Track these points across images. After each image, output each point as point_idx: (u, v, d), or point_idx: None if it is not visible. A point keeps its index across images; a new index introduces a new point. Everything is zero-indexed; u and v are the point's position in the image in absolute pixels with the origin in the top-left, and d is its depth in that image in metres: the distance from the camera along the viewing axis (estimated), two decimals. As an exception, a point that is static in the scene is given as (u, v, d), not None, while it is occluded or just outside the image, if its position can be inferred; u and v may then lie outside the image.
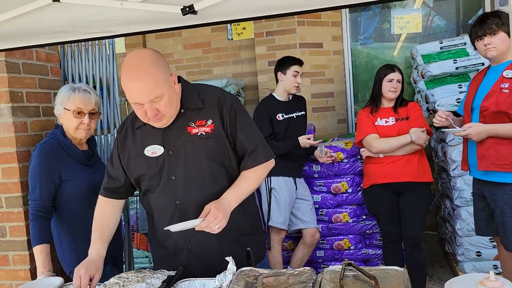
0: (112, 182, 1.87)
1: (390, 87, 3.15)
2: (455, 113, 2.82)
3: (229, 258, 1.56)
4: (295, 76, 3.40)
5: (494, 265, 3.39)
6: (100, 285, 1.64)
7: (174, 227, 1.64)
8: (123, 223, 2.77)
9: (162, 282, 1.62)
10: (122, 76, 1.62)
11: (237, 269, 1.59)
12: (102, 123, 2.84)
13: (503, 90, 2.44)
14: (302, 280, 1.52)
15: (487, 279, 1.10)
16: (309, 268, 1.60)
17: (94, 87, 2.76)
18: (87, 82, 2.81)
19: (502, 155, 2.44)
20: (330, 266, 1.62)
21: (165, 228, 1.67)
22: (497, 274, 1.42)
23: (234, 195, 1.71)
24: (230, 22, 2.05)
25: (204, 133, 1.73)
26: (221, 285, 1.53)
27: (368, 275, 1.50)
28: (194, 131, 1.73)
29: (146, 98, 1.60)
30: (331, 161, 3.53)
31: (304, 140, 3.32)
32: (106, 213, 1.88)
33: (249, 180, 1.78)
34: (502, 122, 2.44)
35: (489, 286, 1.08)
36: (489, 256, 3.40)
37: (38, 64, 2.51)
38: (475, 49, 2.62)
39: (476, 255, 3.42)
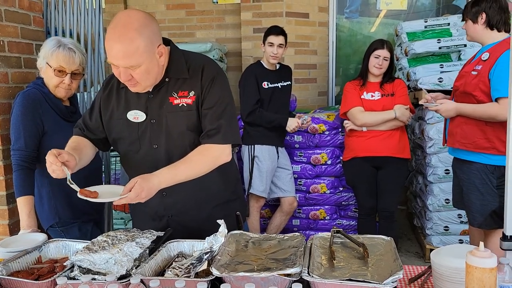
0: (88, 133, 1.82)
1: (376, 63, 3.18)
2: None
3: (220, 221, 1.56)
4: (270, 46, 3.37)
5: (459, 240, 3.56)
6: (88, 242, 1.62)
7: (94, 200, 1.56)
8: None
9: (151, 242, 1.62)
10: (106, 33, 1.55)
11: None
12: (86, 81, 2.74)
13: (472, 72, 2.51)
14: (293, 245, 1.55)
15: (477, 249, 1.16)
16: (298, 234, 1.63)
17: (78, 41, 2.65)
18: (71, 36, 2.69)
19: (466, 134, 2.52)
20: (319, 233, 1.65)
21: (78, 195, 1.54)
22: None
23: (168, 178, 1.60)
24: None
25: (185, 105, 1.68)
26: (211, 247, 1.54)
27: (356, 242, 1.55)
28: (176, 101, 1.68)
29: (121, 63, 1.54)
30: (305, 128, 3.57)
31: (294, 124, 3.34)
32: (81, 142, 1.79)
33: (191, 165, 1.64)
34: (470, 102, 2.50)
35: (479, 256, 1.14)
36: (456, 231, 3.57)
37: (20, 12, 2.37)
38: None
39: (444, 229, 3.58)
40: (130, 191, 1.50)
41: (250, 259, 1.47)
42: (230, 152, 1.73)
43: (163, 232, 1.69)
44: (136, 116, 1.72)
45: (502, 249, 1.66)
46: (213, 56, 4.25)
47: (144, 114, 1.71)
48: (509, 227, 1.64)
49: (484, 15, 2.49)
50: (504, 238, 1.66)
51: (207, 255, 1.48)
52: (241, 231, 1.68)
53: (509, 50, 2.38)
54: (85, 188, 1.57)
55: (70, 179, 1.55)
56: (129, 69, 1.55)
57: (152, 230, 1.68)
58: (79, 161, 1.66)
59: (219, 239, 1.54)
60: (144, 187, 1.52)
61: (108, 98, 1.77)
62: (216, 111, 1.68)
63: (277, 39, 3.36)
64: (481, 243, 1.17)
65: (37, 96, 2.10)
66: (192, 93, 1.68)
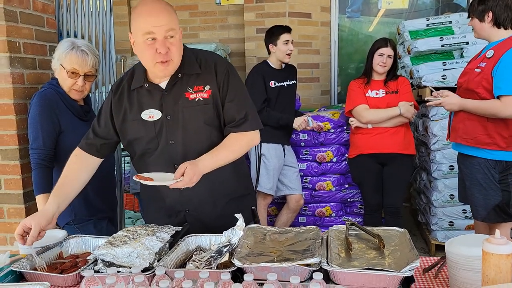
0: (97, 140, 1.84)
1: (380, 61, 3.23)
2: None
3: (238, 215, 1.61)
4: (286, 44, 3.42)
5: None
6: (109, 237, 1.66)
7: (147, 183, 1.64)
8: (117, 181, 2.77)
9: (170, 237, 1.66)
10: (138, 10, 1.62)
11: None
12: (97, 81, 2.78)
13: (476, 69, 2.55)
14: (310, 237, 1.59)
15: (493, 237, 1.20)
16: (314, 226, 1.68)
17: (90, 43, 2.69)
18: (82, 37, 2.73)
19: (468, 129, 2.57)
20: (334, 226, 1.69)
21: (135, 178, 1.64)
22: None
23: (210, 162, 1.68)
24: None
25: (201, 99, 1.73)
26: (229, 240, 1.58)
27: (371, 234, 1.59)
28: (192, 96, 1.73)
29: (164, 27, 1.59)
30: (313, 129, 3.62)
31: (300, 124, 3.39)
32: (76, 172, 1.82)
33: (230, 150, 1.74)
34: (473, 99, 2.54)
35: (495, 243, 1.18)
36: (460, 226, 3.62)
37: (34, 14, 2.42)
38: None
39: (449, 224, 3.62)
40: (182, 175, 1.58)
41: (269, 251, 1.51)
42: (259, 135, 1.83)
43: (181, 227, 1.73)
44: (151, 115, 1.75)
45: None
46: (218, 56, 4.29)
47: (159, 112, 1.75)
48: (519, 218, 1.68)
49: (491, 14, 2.51)
50: (515, 228, 1.71)
51: (226, 248, 1.53)
52: (258, 225, 1.72)
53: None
54: (140, 174, 1.67)
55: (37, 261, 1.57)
56: (167, 39, 1.60)
57: (170, 225, 1.72)
58: (65, 200, 1.74)
59: (237, 232, 1.58)
60: (195, 171, 1.60)
61: (119, 102, 1.80)
62: (239, 101, 1.76)
63: (290, 36, 3.44)
64: (497, 231, 1.21)
65: (53, 96, 2.14)
66: (207, 87, 1.74)
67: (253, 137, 1.80)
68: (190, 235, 1.69)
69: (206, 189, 1.78)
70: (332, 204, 3.78)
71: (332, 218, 3.80)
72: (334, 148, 3.71)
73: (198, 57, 1.77)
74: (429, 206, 3.76)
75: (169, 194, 1.80)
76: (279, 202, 3.85)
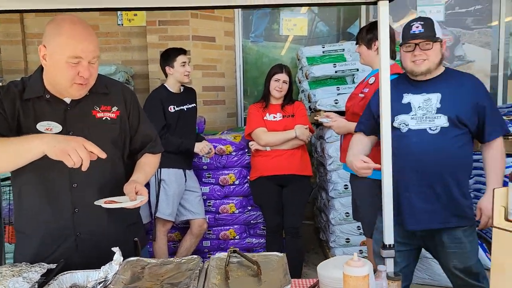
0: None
1: (276, 86, 3.35)
2: None
3: (115, 249, 1.55)
4: (183, 65, 3.42)
5: (360, 250, 3.80)
6: (-31, 281, 1.50)
7: (113, 205, 1.63)
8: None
9: (41, 276, 1.54)
10: (66, 30, 1.58)
11: (124, 259, 1.58)
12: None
13: (360, 94, 2.74)
14: (190, 268, 1.57)
15: (351, 260, 1.27)
16: (196, 256, 1.65)
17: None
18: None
19: None
20: (216, 254, 1.69)
21: (102, 204, 1.62)
22: (363, 257, 1.63)
23: (144, 179, 1.78)
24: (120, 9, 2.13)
25: (109, 119, 1.76)
26: (106, 276, 1.51)
27: (251, 261, 1.61)
28: (99, 115, 1.74)
29: (92, 53, 1.60)
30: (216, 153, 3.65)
31: (203, 148, 3.42)
32: None
33: (152, 166, 1.89)
34: None
35: (353, 265, 1.25)
36: (356, 242, 3.80)
37: None
38: None
39: (346, 241, 3.80)
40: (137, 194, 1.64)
41: (145, 286, 1.46)
42: None
43: (55, 265, 1.62)
44: (49, 127, 1.67)
45: (382, 257, 1.83)
46: (119, 78, 4.16)
47: (59, 126, 1.67)
48: (387, 237, 1.81)
49: (377, 43, 2.72)
50: (384, 247, 1.83)
51: (100, 285, 1.46)
52: (138, 258, 1.66)
53: (391, 75, 2.66)
54: (103, 199, 1.66)
55: None
56: (90, 64, 1.61)
57: (43, 263, 1.61)
58: None
59: (113, 267, 1.52)
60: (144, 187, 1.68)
61: (11, 103, 1.65)
62: (149, 124, 1.92)
63: (187, 58, 3.46)
64: (355, 254, 1.28)
65: None
66: (115, 108, 1.78)
67: (160, 156, 1.97)
68: (65, 272, 1.59)
69: (103, 211, 1.71)
70: (236, 226, 3.79)
71: (236, 240, 3.80)
72: (236, 171, 3.74)
73: (103, 79, 1.80)
74: (328, 224, 3.91)
75: (60, 217, 1.70)
76: (183, 227, 3.78)
